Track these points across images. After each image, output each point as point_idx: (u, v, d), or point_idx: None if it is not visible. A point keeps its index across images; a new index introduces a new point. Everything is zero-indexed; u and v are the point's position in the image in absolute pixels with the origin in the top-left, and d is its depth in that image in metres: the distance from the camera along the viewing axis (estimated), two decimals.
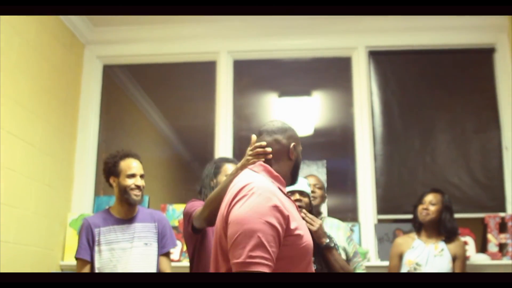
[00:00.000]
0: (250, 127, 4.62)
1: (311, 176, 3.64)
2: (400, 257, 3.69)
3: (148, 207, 4.06)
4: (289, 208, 1.98)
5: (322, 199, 3.50)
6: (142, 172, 3.26)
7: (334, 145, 4.64)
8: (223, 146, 4.43)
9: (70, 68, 4.34)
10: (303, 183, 3.03)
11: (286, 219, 1.90)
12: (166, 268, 3.29)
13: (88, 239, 3.19)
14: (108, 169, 3.24)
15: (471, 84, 4.52)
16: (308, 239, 1.98)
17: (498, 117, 4.39)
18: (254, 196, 1.90)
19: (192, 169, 5.05)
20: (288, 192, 2.20)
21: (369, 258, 4.09)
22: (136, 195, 3.20)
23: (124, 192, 3.20)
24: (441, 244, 3.63)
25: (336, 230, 3.21)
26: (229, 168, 3.24)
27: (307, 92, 4.79)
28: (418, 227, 3.73)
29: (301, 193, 2.99)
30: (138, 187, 3.21)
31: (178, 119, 5.02)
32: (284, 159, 2.15)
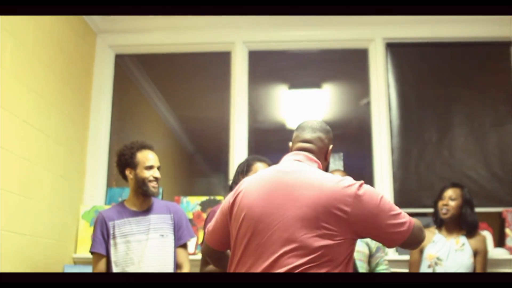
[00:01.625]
0: (265, 119, 4.56)
1: (337, 170, 3.58)
2: (421, 251, 3.64)
3: (162, 199, 3.98)
4: None
5: None
6: (159, 163, 3.21)
7: (351, 138, 4.59)
8: (239, 138, 4.35)
9: (83, 57, 4.25)
10: None
11: None
12: (184, 260, 3.23)
13: (102, 232, 3.14)
14: (125, 161, 3.18)
15: (488, 77, 4.47)
16: None
17: None
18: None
19: (205, 161, 4.98)
20: None
21: (387, 252, 4.02)
22: (154, 187, 3.15)
23: (142, 184, 3.14)
24: (462, 239, 3.59)
25: None
26: (259, 167, 3.20)
27: (320, 85, 4.73)
28: (440, 222, 3.69)
29: None
30: (156, 179, 3.17)
31: (190, 111, 4.92)
32: (322, 158, 2.19)
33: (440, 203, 3.64)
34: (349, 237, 1.95)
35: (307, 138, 2.19)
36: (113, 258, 3.10)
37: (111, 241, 3.12)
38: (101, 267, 3.12)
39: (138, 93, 4.87)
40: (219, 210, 2.23)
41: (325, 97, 4.75)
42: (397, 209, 2.03)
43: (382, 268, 3.37)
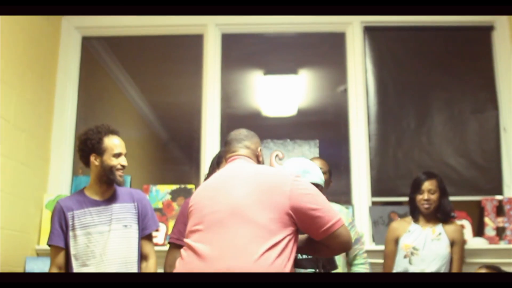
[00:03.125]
0: (239, 105, 4.40)
1: (317, 158, 3.45)
2: (396, 241, 3.52)
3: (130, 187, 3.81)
4: None
5: (327, 185, 3.27)
6: (125, 150, 3.02)
7: (327, 125, 4.46)
8: (211, 124, 4.18)
9: (47, 39, 4.05)
10: (318, 173, 2.56)
11: None
12: (149, 251, 3.06)
13: (60, 223, 2.95)
14: (92, 146, 2.97)
15: (469, 63, 4.35)
16: None
17: (496, 98, 4.23)
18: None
19: (176, 149, 4.80)
20: None
21: (363, 242, 3.90)
22: (120, 176, 2.97)
23: (109, 172, 2.95)
24: (439, 228, 3.47)
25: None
26: None
27: (296, 70, 4.58)
28: (417, 215, 3.56)
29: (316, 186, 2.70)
30: (123, 167, 2.98)
31: (160, 96, 4.71)
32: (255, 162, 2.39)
33: (420, 198, 3.51)
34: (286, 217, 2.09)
35: (235, 150, 2.37)
36: (72, 251, 2.91)
37: (70, 233, 2.92)
38: (60, 261, 2.93)
39: (107, 77, 4.67)
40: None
41: (301, 83, 4.60)
42: (329, 206, 2.16)
43: (360, 262, 3.25)
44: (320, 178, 2.48)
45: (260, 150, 2.42)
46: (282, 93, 4.54)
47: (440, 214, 3.49)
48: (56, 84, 4.18)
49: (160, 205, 3.94)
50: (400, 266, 3.45)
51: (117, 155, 2.96)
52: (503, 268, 3.45)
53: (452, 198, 3.60)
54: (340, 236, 2.11)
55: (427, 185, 3.50)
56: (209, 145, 4.11)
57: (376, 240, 3.91)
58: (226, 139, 2.43)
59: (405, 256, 3.44)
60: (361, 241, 3.35)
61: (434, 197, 3.48)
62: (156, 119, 4.93)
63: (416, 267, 3.39)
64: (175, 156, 4.77)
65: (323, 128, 4.42)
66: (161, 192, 3.98)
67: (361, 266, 3.25)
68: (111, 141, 2.97)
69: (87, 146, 2.98)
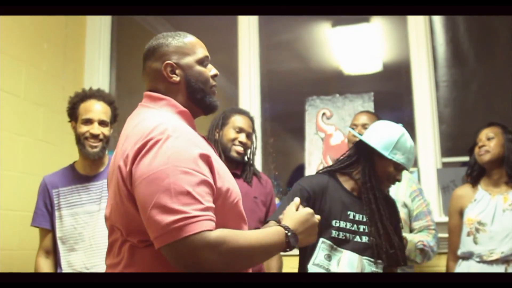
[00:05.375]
0: (279, 59, 3.84)
1: (362, 113, 2.90)
2: (461, 213, 2.82)
3: None
4: (214, 157, 1.52)
5: None
6: (104, 118, 2.60)
7: (383, 74, 3.74)
8: (247, 83, 3.68)
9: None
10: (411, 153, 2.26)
11: (214, 173, 1.46)
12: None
13: (45, 202, 2.63)
14: (68, 112, 2.64)
15: None
16: (237, 194, 1.56)
17: None
18: (169, 140, 1.41)
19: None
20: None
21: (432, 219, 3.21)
22: (91, 146, 2.56)
23: (78, 141, 2.60)
24: None
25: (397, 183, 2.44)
26: (237, 121, 2.72)
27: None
28: (478, 175, 2.81)
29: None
30: (94, 136, 2.57)
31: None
32: (169, 87, 1.60)
33: (476, 149, 2.77)
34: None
35: (142, 74, 1.66)
36: (58, 233, 2.58)
37: (56, 213, 2.60)
38: (47, 244, 2.62)
39: (140, 34, 4.25)
40: None
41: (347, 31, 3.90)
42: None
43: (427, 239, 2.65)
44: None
45: (170, 64, 1.61)
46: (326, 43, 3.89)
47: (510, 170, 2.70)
48: (86, 54, 3.91)
49: None
50: (464, 246, 2.74)
51: (86, 122, 2.57)
52: None
53: None
54: None
55: (486, 131, 2.74)
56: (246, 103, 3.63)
57: (446, 210, 3.20)
58: None
59: (468, 234, 2.73)
60: (431, 218, 2.73)
61: (492, 144, 2.71)
62: None
63: (483, 248, 2.65)
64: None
65: (379, 78, 3.72)
66: None
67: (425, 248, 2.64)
68: (85, 106, 2.58)
69: (67, 114, 2.66)
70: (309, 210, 1.63)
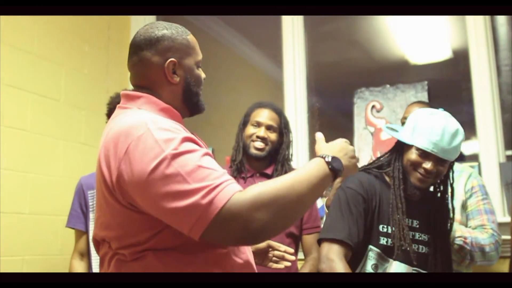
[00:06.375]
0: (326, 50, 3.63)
1: (414, 104, 2.64)
2: None
3: None
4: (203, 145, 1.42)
5: None
6: None
7: (438, 60, 3.45)
8: (291, 76, 3.49)
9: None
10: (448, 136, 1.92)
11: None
12: None
13: (80, 203, 2.61)
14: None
15: None
16: None
17: None
18: (152, 132, 1.29)
19: None
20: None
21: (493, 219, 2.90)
22: None
23: None
24: None
25: (456, 178, 2.27)
26: (256, 114, 2.50)
27: None
28: None
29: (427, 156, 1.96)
30: None
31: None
32: (164, 84, 1.48)
33: None
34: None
35: (129, 66, 1.52)
36: (91, 235, 2.56)
37: (90, 215, 2.57)
38: (81, 247, 2.61)
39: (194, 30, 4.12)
40: None
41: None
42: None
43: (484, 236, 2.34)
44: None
45: (174, 63, 1.51)
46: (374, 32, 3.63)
47: None
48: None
49: None
50: None
51: None
52: None
53: None
54: None
55: None
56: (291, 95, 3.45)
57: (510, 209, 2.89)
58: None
59: None
60: (494, 219, 2.44)
61: None
62: None
63: None
64: None
65: (434, 65, 3.41)
66: None
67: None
68: None
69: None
70: (342, 139, 1.52)
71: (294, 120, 3.34)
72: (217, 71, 3.93)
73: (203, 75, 1.55)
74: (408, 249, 1.91)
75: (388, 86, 3.34)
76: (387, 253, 1.93)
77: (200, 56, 1.53)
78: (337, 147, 1.47)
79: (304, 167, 1.36)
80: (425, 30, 3.55)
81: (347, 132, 3.36)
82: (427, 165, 1.91)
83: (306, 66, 3.50)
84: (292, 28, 3.53)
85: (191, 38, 1.53)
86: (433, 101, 3.11)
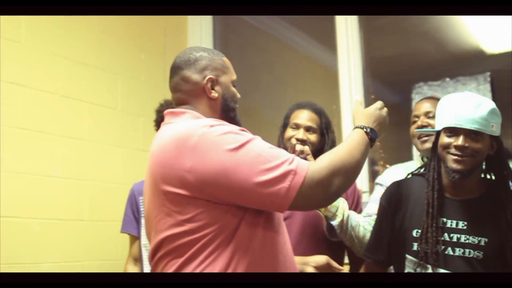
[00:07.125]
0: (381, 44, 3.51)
1: (423, 100, 2.39)
2: None
3: None
4: None
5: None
6: None
7: (502, 50, 3.24)
8: (346, 74, 3.39)
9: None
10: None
11: None
12: None
13: (132, 209, 2.66)
14: None
15: None
16: None
17: None
18: (212, 129, 1.45)
19: None
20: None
21: None
22: None
23: None
24: None
25: None
26: (299, 116, 2.35)
27: None
28: None
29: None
30: None
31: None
32: (204, 100, 1.63)
33: None
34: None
35: (170, 87, 1.68)
36: (142, 240, 2.59)
37: (142, 220, 2.59)
38: (135, 251, 2.65)
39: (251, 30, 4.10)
40: None
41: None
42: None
43: None
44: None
45: (212, 80, 1.65)
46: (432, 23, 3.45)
47: None
48: None
49: None
50: None
51: None
52: None
53: None
54: None
55: None
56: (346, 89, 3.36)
57: None
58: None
59: None
60: None
61: None
62: None
63: None
64: None
65: (496, 55, 3.21)
66: None
67: None
68: None
69: None
70: (376, 105, 1.72)
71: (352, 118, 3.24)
72: (283, 72, 3.91)
73: (238, 95, 1.68)
74: (448, 253, 1.77)
75: (447, 79, 3.17)
76: (424, 259, 1.79)
77: (234, 76, 1.68)
78: (372, 118, 1.68)
79: (351, 137, 1.59)
80: (491, 20, 3.35)
81: (406, 130, 3.21)
82: (458, 141, 1.75)
83: (362, 62, 3.39)
84: (345, 22, 3.44)
85: (226, 59, 1.68)
86: (497, 93, 2.93)
